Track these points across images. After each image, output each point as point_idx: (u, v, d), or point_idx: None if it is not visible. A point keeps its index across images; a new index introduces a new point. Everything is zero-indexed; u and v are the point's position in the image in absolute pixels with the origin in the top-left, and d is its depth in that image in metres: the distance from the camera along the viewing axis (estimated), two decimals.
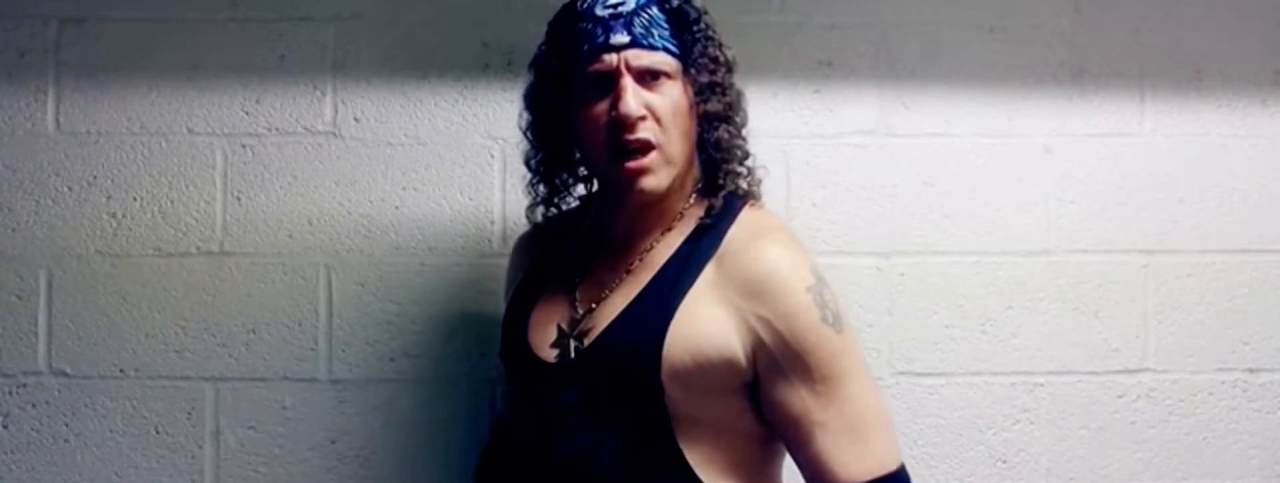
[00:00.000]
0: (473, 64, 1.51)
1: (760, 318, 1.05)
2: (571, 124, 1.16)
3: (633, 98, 1.08)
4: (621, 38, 1.09)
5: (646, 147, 1.09)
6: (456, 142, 1.51)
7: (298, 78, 1.51)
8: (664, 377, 1.04)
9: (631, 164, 1.09)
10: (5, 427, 1.48)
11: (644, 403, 1.06)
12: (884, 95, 1.53)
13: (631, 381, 1.06)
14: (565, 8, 1.17)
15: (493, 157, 1.51)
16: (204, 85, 1.51)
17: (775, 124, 1.52)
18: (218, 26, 1.51)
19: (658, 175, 1.10)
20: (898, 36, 1.53)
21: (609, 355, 1.08)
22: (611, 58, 1.10)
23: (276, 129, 1.51)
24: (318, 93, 1.51)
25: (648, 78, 1.10)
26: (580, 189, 1.25)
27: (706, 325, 1.05)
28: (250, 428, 1.48)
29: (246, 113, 1.51)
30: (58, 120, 1.51)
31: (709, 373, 1.05)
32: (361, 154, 1.51)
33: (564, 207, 1.25)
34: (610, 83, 1.09)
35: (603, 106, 1.10)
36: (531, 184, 1.23)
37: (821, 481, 1.06)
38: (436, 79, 1.52)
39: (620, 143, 1.09)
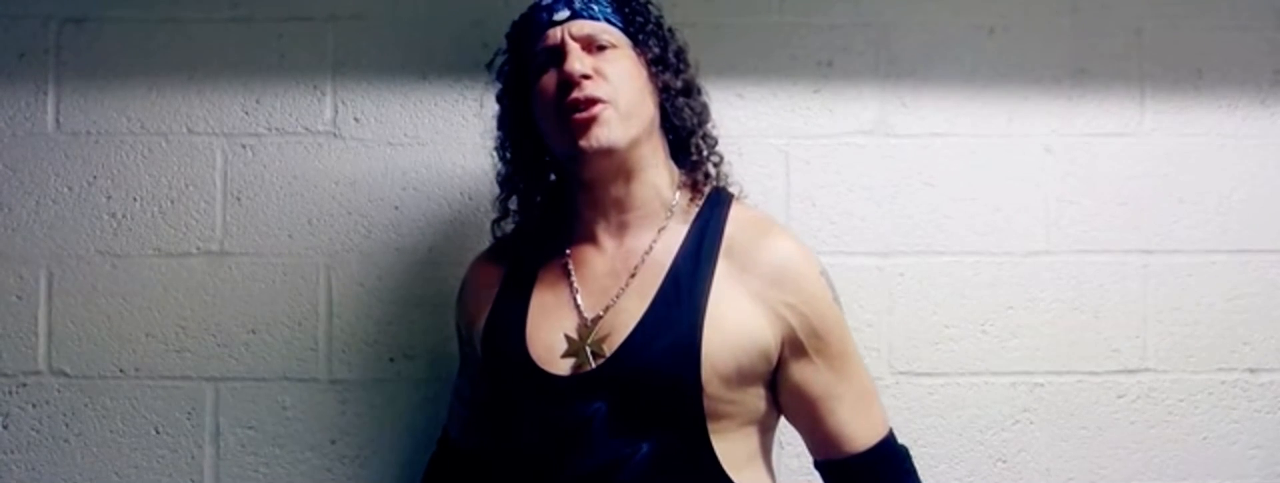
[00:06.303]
0: (473, 64, 1.50)
1: (788, 305, 1.09)
2: (533, 117, 1.17)
3: (576, 59, 1.10)
4: (563, 13, 1.14)
5: (593, 101, 1.08)
6: (456, 142, 1.51)
7: (298, 78, 1.51)
8: (704, 375, 1.04)
9: (579, 116, 1.08)
10: (5, 427, 1.48)
11: (683, 405, 1.05)
12: (884, 95, 1.53)
13: (671, 383, 1.05)
14: (519, 17, 1.21)
15: (492, 156, 1.50)
16: (204, 85, 1.51)
17: (775, 124, 1.52)
18: (218, 26, 1.51)
19: (610, 127, 1.09)
20: (898, 36, 1.53)
21: (642, 360, 1.06)
22: (555, 32, 1.14)
23: (276, 129, 1.51)
24: (318, 93, 1.51)
25: (594, 48, 1.13)
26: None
27: (739, 318, 1.07)
28: (250, 428, 1.48)
29: (246, 113, 1.51)
30: (58, 120, 1.51)
31: (746, 365, 1.07)
32: (361, 154, 1.51)
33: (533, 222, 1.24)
34: (559, 57, 1.12)
35: (552, 77, 1.12)
36: (500, 199, 1.24)
37: (839, 450, 1.12)
38: (436, 79, 1.52)
39: (568, 103, 1.09)
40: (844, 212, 1.52)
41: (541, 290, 1.16)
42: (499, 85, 1.24)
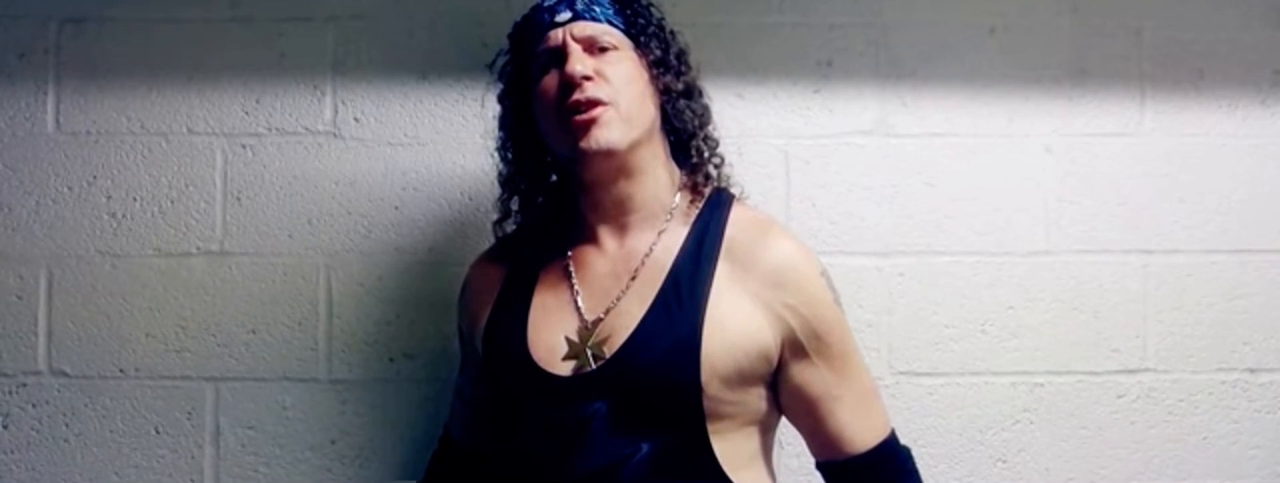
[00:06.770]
0: (473, 64, 1.50)
1: (788, 306, 1.09)
2: (534, 118, 1.17)
3: (577, 61, 1.11)
4: (565, 15, 1.14)
5: (594, 103, 1.09)
6: (456, 142, 1.51)
7: (298, 78, 1.51)
8: (703, 376, 1.05)
9: (580, 117, 1.09)
10: (5, 427, 1.48)
11: (682, 405, 1.05)
12: (884, 95, 1.53)
13: (671, 384, 1.05)
14: (521, 18, 1.21)
15: (493, 157, 1.50)
16: (204, 85, 1.51)
17: (775, 124, 1.52)
18: (218, 26, 1.51)
19: (611, 129, 1.09)
20: (898, 36, 1.53)
21: (642, 361, 1.06)
22: (556, 33, 1.14)
23: (276, 129, 1.51)
24: (318, 93, 1.51)
25: (596, 49, 1.13)
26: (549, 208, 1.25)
27: (738, 319, 1.07)
28: (250, 428, 1.48)
29: (246, 113, 1.51)
30: (58, 120, 1.51)
31: (746, 367, 1.07)
32: (361, 154, 1.51)
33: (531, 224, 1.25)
34: (561, 58, 1.12)
35: (553, 78, 1.12)
36: (502, 200, 1.25)
37: (840, 451, 1.13)
38: (436, 79, 1.52)
39: (569, 104, 1.09)
40: (844, 212, 1.52)
41: (542, 291, 1.17)
42: (500, 86, 1.25)
